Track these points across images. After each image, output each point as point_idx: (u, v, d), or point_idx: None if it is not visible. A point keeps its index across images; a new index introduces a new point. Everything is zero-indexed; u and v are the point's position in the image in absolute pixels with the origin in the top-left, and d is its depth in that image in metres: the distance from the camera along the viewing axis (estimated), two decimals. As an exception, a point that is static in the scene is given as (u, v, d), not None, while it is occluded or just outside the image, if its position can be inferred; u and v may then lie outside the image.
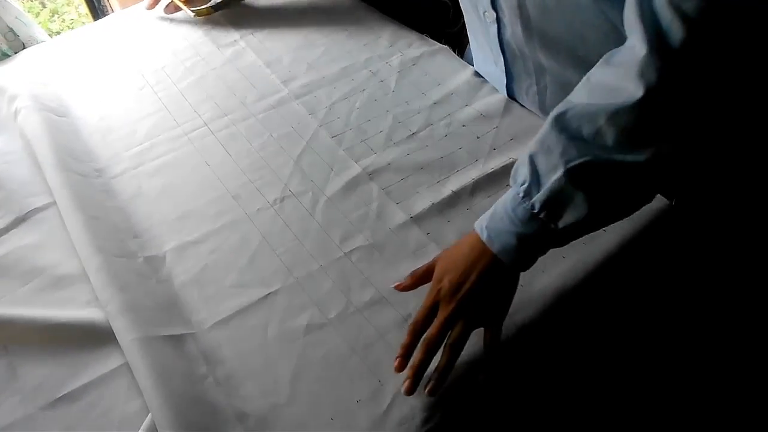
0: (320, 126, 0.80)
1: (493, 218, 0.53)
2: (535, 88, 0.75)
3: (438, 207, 0.69)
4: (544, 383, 0.58)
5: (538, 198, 0.50)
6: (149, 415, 0.52)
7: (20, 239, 0.69)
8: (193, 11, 0.99)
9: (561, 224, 0.50)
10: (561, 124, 0.49)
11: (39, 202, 0.73)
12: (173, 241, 0.68)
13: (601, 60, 0.50)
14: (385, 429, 0.52)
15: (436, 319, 0.54)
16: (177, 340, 0.58)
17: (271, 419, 0.53)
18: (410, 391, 0.52)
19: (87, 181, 0.74)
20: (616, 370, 0.62)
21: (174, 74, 0.91)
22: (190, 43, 0.97)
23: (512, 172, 0.53)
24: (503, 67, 0.76)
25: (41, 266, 0.66)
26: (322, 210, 0.70)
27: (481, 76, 0.85)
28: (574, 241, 0.62)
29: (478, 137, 0.76)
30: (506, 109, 0.80)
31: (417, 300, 0.60)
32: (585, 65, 0.67)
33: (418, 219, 0.68)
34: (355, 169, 0.74)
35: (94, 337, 0.59)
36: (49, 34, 1.06)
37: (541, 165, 0.50)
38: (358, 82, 0.87)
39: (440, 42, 0.92)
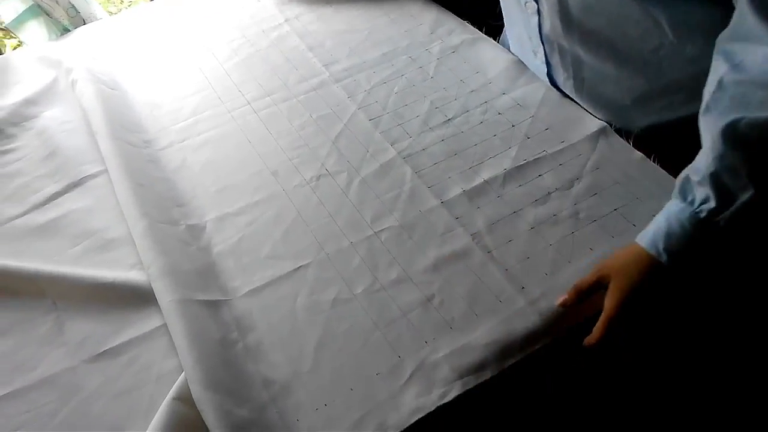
0: (358, 109, 0.82)
1: (670, 238, 0.53)
2: (571, 81, 0.75)
3: (469, 193, 0.70)
4: (561, 370, 0.59)
5: (725, 216, 0.50)
6: (183, 373, 0.56)
7: (73, 203, 0.74)
8: None
9: (744, 236, 0.51)
10: (735, 139, 0.49)
11: (92, 169, 0.77)
12: (214, 212, 0.71)
13: (730, 65, 0.50)
14: (402, 402, 0.54)
15: (605, 313, 0.54)
16: (212, 306, 0.61)
17: (294, 386, 0.56)
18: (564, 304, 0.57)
19: (136, 150, 0.78)
20: (638, 363, 0.63)
21: (220, 54, 0.95)
22: (236, 25, 1.00)
23: (681, 188, 0.53)
24: (543, 58, 0.77)
25: (91, 229, 0.71)
26: (356, 189, 0.72)
27: (522, 64, 0.85)
28: (602, 234, 0.64)
29: (513, 125, 0.77)
30: (544, 98, 0.80)
31: (440, 281, 0.62)
32: (624, 60, 0.67)
33: (448, 204, 0.69)
34: (391, 152, 0.76)
35: (137, 298, 0.63)
36: (109, 14, 1.11)
37: (729, 183, 0.50)
38: (397, 67, 0.88)
39: (482, 32, 0.92)
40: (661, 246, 0.53)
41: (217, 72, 0.91)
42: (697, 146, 0.53)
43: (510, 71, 0.84)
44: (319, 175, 0.74)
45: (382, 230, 0.67)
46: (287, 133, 0.80)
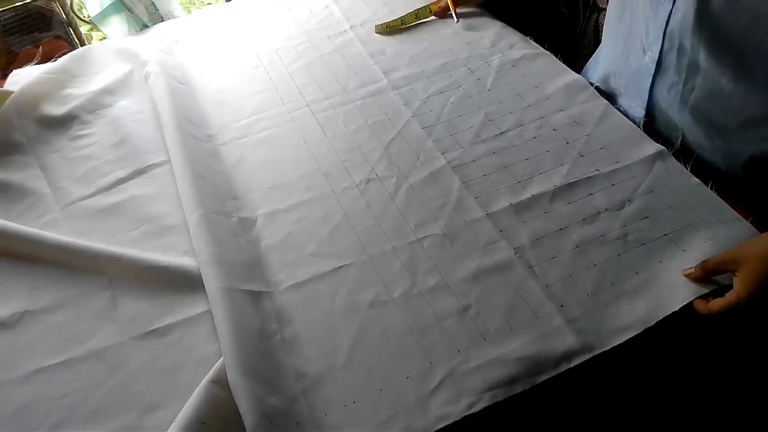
0: (413, 116, 0.83)
1: None
2: (680, 87, 0.71)
3: (515, 207, 0.70)
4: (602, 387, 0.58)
5: None
6: (221, 358, 0.58)
7: (137, 189, 0.78)
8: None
9: None
10: None
11: (157, 158, 0.81)
12: (265, 207, 0.74)
13: None
14: (429, 407, 0.54)
15: (736, 295, 0.54)
16: (255, 296, 0.63)
17: (325, 381, 0.57)
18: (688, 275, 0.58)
19: (198, 143, 0.82)
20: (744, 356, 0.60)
21: (286, 57, 0.98)
22: (304, 30, 1.04)
23: None
24: (655, 57, 0.72)
25: (151, 215, 0.74)
26: (403, 195, 0.73)
27: (582, 82, 0.84)
28: (650, 258, 0.62)
29: (567, 142, 0.76)
30: (602, 117, 0.79)
31: (479, 292, 0.62)
32: (745, 74, 0.63)
33: (493, 216, 0.69)
34: (441, 161, 0.76)
35: (186, 283, 0.66)
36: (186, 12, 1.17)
37: None
38: (455, 78, 0.89)
39: (546, 48, 0.92)
40: None
41: (282, 73, 0.95)
42: None
43: (569, 88, 0.84)
44: (369, 179, 0.75)
45: (425, 237, 0.68)
46: (342, 136, 0.82)
